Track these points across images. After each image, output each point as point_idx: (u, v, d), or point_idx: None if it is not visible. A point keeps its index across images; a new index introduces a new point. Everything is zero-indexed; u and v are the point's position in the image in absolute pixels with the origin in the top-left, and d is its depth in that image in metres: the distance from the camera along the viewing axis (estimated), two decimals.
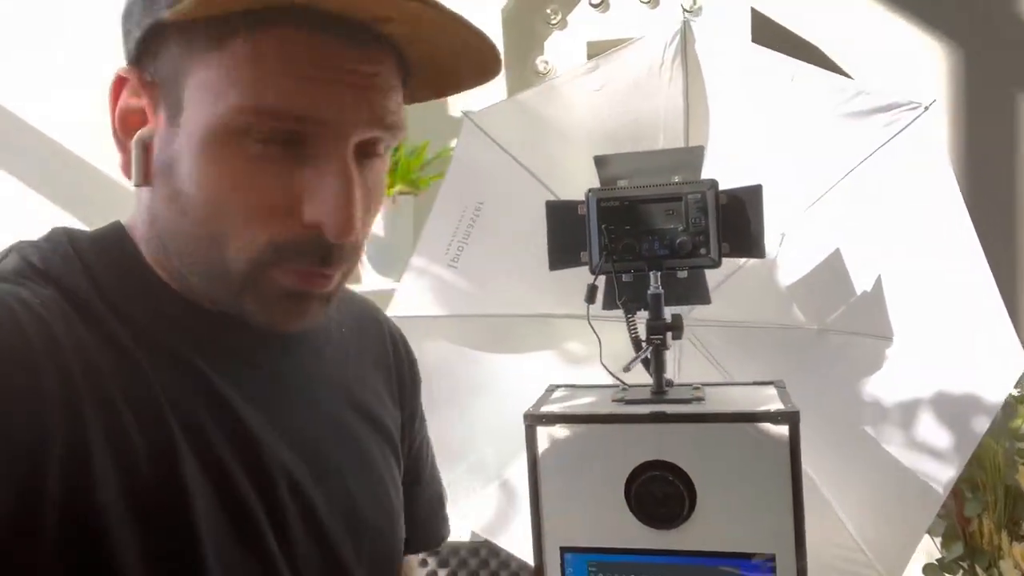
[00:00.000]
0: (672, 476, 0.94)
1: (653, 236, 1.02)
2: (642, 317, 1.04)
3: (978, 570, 1.82)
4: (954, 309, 1.11)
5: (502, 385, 1.36)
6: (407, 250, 2.07)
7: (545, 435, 0.98)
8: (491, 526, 1.34)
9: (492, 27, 1.99)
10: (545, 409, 1.01)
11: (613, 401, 1.03)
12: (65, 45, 2.10)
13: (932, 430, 1.11)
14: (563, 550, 0.98)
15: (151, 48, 0.54)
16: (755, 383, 1.09)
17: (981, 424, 1.08)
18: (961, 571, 1.85)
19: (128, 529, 0.49)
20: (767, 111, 1.17)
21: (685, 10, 2.02)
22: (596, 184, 1.14)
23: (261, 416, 0.59)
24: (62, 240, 0.57)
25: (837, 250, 1.19)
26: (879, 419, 1.14)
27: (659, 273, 1.03)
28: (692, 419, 0.93)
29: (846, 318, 1.20)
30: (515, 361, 1.38)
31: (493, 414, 1.35)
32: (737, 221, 1.03)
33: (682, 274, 1.06)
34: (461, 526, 1.41)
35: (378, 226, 2.07)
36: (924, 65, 1.96)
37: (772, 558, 0.93)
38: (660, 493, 0.94)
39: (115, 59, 0.58)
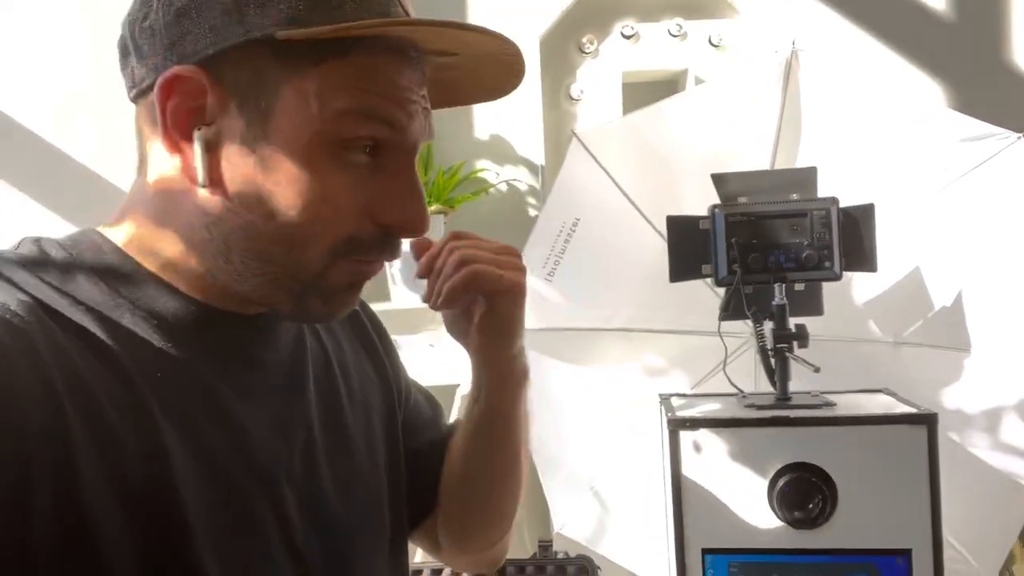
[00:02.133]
0: (815, 477, 0.98)
1: (779, 249, 1.08)
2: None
3: None
4: None
5: (589, 396, 1.38)
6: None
7: (688, 440, 1.02)
8: (589, 535, 1.35)
9: (530, 53, 2.04)
10: (685, 414, 1.05)
11: (746, 407, 1.07)
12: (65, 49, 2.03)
13: (1019, 433, 1.20)
14: (704, 551, 1.01)
15: (230, 56, 0.55)
16: (864, 391, 1.15)
17: None
18: None
19: (120, 530, 0.49)
20: (860, 134, 1.26)
21: (712, 44, 2.12)
22: (683, 205, 1.20)
23: (251, 406, 0.60)
24: (32, 248, 0.57)
25: (916, 268, 1.27)
26: (963, 426, 1.22)
27: (783, 285, 1.09)
28: (841, 422, 0.98)
29: (923, 332, 1.28)
30: (598, 373, 1.41)
31: (582, 424, 1.37)
32: (852, 237, 1.10)
33: (799, 287, 1.12)
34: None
35: (407, 244, 2.07)
36: None
37: (908, 553, 0.98)
38: (803, 494, 0.98)
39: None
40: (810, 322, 1.37)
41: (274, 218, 0.55)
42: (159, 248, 0.59)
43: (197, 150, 0.55)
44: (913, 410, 0.99)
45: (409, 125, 0.57)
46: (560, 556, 1.86)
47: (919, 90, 2.12)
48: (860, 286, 1.34)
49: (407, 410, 0.82)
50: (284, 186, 0.55)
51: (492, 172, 2.17)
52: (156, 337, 0.56)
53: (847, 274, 1.33)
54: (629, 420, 1.37)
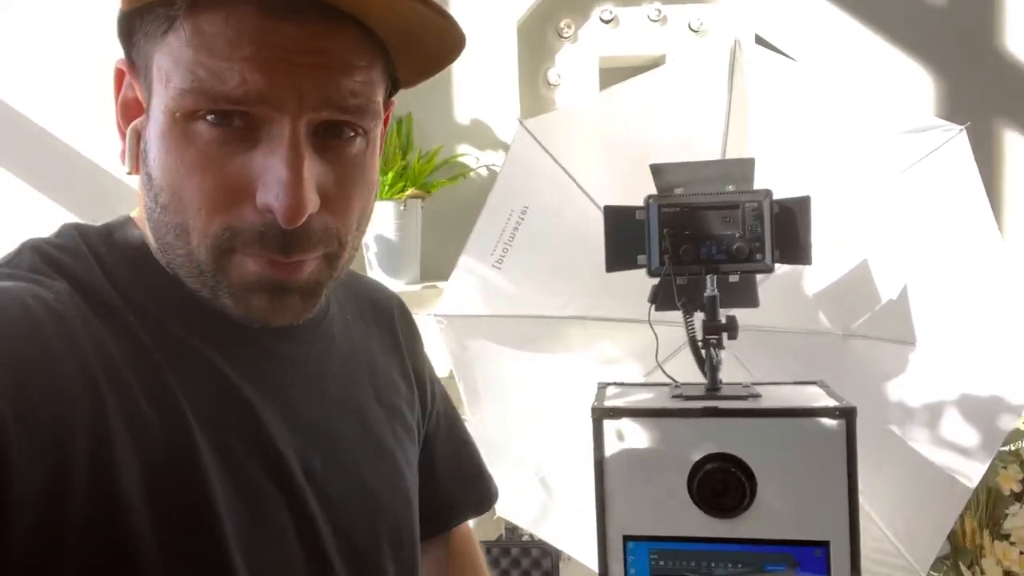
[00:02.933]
0: (734, 467, 0.99)
1: (711, 241, 1.08)
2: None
3: (962, 567, 1.92)
4: (978, 316, 1.20)
5: (539, 383, 1.40)
6: (415, 252, 2.11)
7: (611, 428, 1.03)
8: (532, 519, 1.38)
9: (508, 39, 2.03)
10: (610, 404, 1.06)
11: (672, 397, 1.08)
12: (67, 39, 2.05)
13: (958, 428, 1.20)
14: (626, 538, 1.03)
15: (130, 38, 0.54)
16: (797, 383, 1.16)
17: (1007, 422, 1.17)
18: (944, 568, 1.95)
19: (150, 518, 0.49)
20: (807, 126, 1.25)
21: (692, 29, 2.10)
22: (633, 193, 1.20)
23: (273, 403, 0.59)
24: (72, 235, 0.57)
25: (864, 260, 1.27)
26: (905, 419, 1.22)
27: (715, 277, 1.09)
28: (761, 414, 0.99)
29: (870, 324, 1.28)
30: (551, 360, 1.42)
31: (531, 411, 1.39)
32: (787, 229, 1.10)
33: (734, 278, 1.12)
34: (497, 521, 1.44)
35: (388, 229, 2.09)
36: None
37: (826, 544, 0.99)
38: (722, 484, 0.99)
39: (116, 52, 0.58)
40: (761, 314, 1.38)
41: (157, 203, 0.54)
42: None
43: (128, 138, 0.55)
44: (833, 403, 1.00)
45: (272, 92, 0.50)
46: (525, 539, 1.89)
47: (904, 75, 2.09)
48: (810, 278, 1.34)
49: (428, 432, 0.79)
50: (156, 169, 0.53)
51: (472, 157, 2.18)
52: (180, 329, 0.56)
53: (797, 267, 1.33)
54: (577, 408, 1.39)
